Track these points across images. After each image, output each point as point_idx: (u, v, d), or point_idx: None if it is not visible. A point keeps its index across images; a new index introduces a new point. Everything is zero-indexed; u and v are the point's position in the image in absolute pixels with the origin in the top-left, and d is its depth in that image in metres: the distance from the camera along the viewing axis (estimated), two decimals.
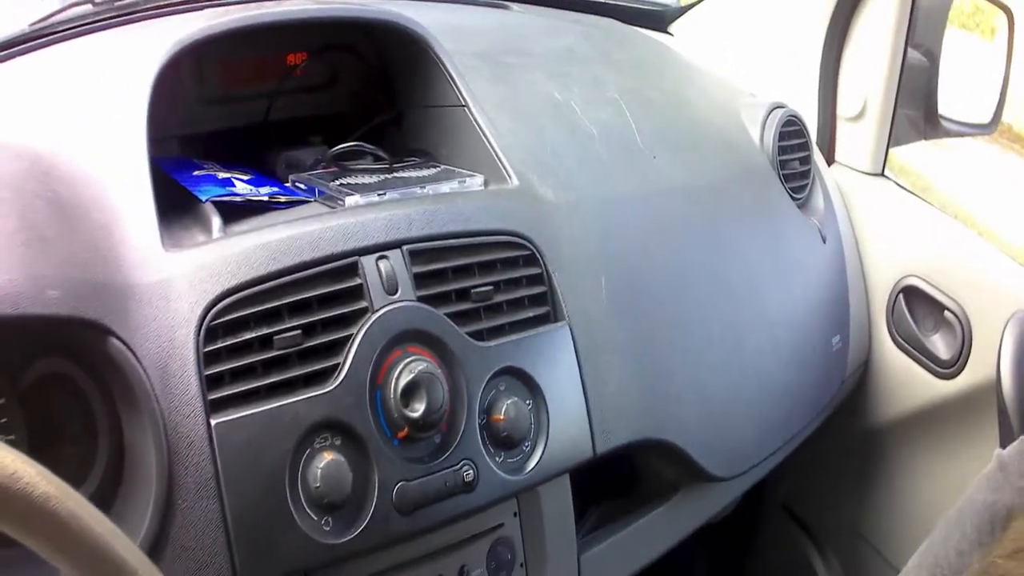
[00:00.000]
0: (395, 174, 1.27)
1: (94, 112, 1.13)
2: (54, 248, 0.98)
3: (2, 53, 1.23)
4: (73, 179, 1.05)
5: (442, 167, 1.30)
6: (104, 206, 1.04)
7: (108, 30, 1.28)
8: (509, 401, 1.12)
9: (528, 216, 1.22)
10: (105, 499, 1.00)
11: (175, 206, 1.13)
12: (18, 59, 1.23)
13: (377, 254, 1.09)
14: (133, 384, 0.97)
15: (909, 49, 1.81)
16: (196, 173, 1.23)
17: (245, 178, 1.24)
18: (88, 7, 1.30)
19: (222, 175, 1.23)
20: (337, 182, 1.22)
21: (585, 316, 1.23)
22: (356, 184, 1.22)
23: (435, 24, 1.33)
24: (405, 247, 1.11)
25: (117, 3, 1.31)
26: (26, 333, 0.98)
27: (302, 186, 1.24)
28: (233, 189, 1.19)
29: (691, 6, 1.97)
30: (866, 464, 1.88)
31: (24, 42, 1.25)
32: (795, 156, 1.70)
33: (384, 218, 1.11)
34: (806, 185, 1.71)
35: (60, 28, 1.27)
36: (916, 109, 1.96)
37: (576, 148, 1.37)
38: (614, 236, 1.31)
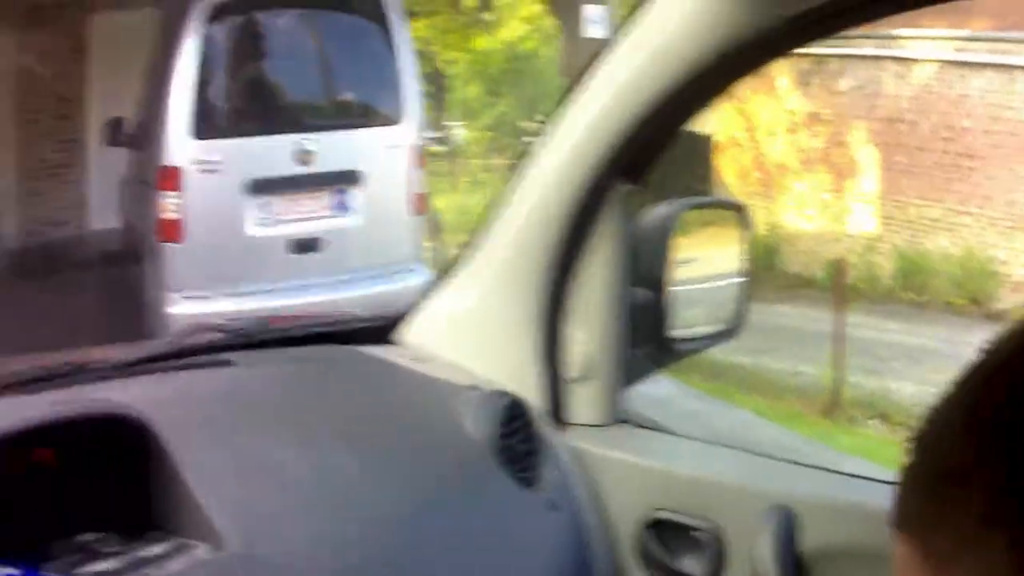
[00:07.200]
0: None
1: None
2: None
3: None
4: None
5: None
6: None
7: None
8: None
9: None
10: None
11: None
12: None
13: None
14: None
15: (635, 289, 1.96)
16: None
17: None
18: None
19: None
20: None
21: None
22: None
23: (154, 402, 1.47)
24: None
25: None
26: None
27: None
28: None
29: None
30: None
31: None
32: (517, 439, 1.80)
33: None
34: (533, 463, 1.80)
35: None
36: (649, 343, 2.05)
37: (290, 499, 1.51)
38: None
